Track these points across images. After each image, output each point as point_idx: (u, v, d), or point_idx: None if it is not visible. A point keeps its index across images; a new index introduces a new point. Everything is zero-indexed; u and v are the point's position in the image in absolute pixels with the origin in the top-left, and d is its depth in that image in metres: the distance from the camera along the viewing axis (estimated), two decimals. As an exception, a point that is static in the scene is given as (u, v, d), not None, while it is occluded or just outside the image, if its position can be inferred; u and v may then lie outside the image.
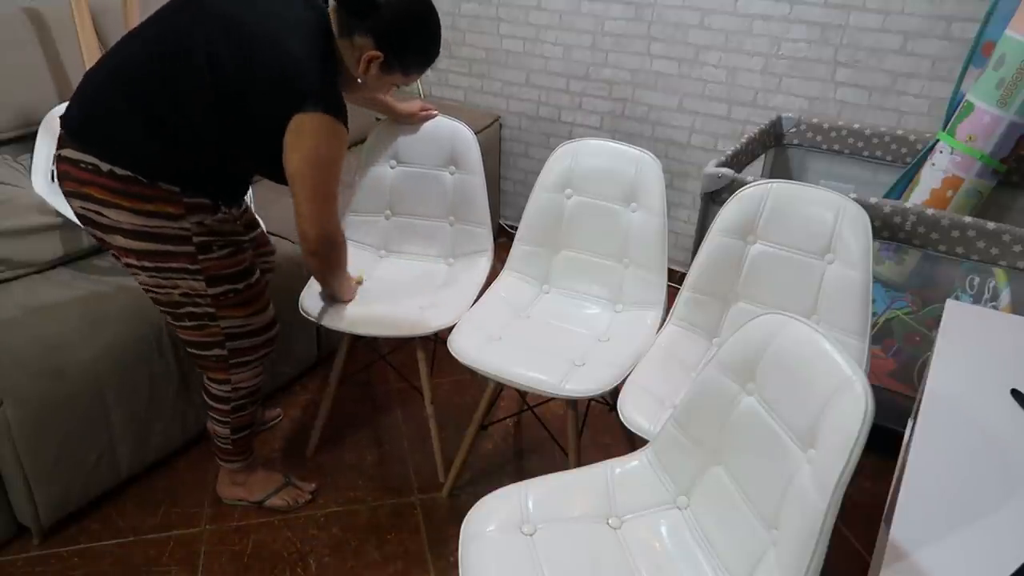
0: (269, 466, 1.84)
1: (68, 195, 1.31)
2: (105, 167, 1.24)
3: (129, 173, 1.25)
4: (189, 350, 1.47)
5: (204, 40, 1.21)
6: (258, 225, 1.69)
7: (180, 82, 1.22)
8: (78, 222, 1.37)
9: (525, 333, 1.61)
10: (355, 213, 1.88)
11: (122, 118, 1.23)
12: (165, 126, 1.24)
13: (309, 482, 1.80)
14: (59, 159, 1.28)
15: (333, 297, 1.64)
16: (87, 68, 1.87)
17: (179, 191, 1.28)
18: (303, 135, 1.24)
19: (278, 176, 1.32)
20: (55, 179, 1.58)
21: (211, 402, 1.56)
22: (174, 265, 1.33)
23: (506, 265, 1.78)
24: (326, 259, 1.44)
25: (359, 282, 1.72)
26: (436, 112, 1.83)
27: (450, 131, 1.83)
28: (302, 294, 1.70)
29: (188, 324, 1.41)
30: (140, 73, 1.23)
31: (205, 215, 1.33)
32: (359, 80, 1.38)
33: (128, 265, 1.34)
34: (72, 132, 1.26)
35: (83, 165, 1.25)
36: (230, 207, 1.42)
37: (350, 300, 1.66)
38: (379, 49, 1.30)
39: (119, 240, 1.30)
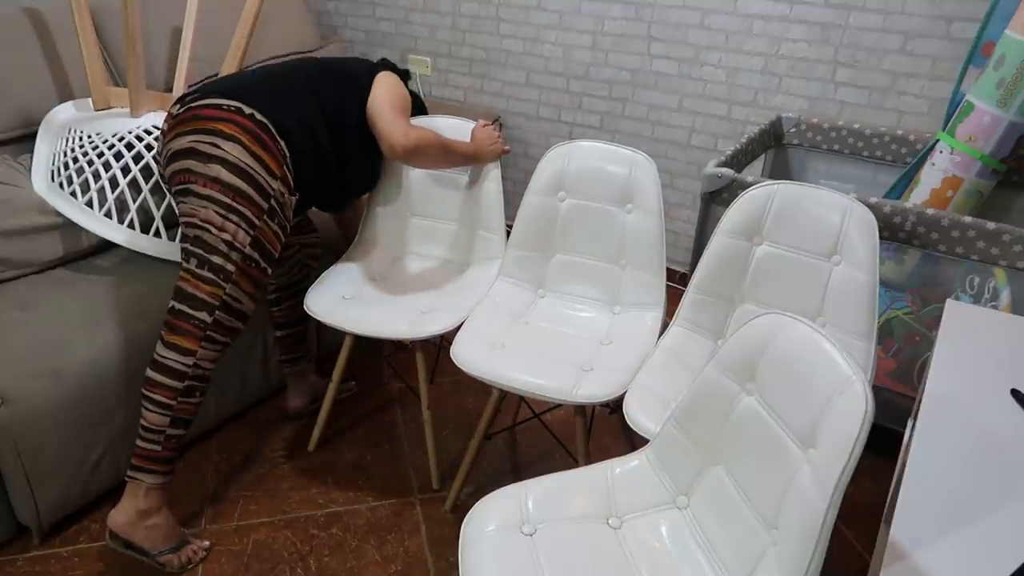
0: (271, 464, 1.84)
1: (186, 133, 1.49)
2: (248, 110, 1.51)
3: (266, 121, 1.51)
4: (178, 305, 1.46)
5: (323, 68, 1.70)
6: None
7: (322, 82, 1.65)
8: (170, 161, 1.55)
9: (527, 339, 1.59)
10: (380, 206, 1.90)
11: (284, 94, 1.58)
12: (308, 104, 1.61)
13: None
14: (195, 107, 1.52)
15: (481, 159, 1.81)
16: (87, 68, 1.88)
17: (289, 156, 1.55)
18: (382, 83, 1.70)
19: (362, 180, 1.79)
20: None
21: (163, 378, 1.45)
22: (241, 209, 1.47)
23: (500, 271, 1.76)
24: (425, 158, 1.68)
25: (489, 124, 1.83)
26: (505, 145, 1.87)
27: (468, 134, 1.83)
28: (307, 293, 1.70)
29: (203, 274, 1.46)
30: (286, 69, 1.65)
31: (286, 190, 1.55)
32: None
33: (200, 196, 1.46)
34: (221, 92, 1.53)
35: (226, 107, 1.50)
36: (300, 206, 1.66)
37: (491, 152, 1.81)
38: None
39: (215, 168, 1.46)
